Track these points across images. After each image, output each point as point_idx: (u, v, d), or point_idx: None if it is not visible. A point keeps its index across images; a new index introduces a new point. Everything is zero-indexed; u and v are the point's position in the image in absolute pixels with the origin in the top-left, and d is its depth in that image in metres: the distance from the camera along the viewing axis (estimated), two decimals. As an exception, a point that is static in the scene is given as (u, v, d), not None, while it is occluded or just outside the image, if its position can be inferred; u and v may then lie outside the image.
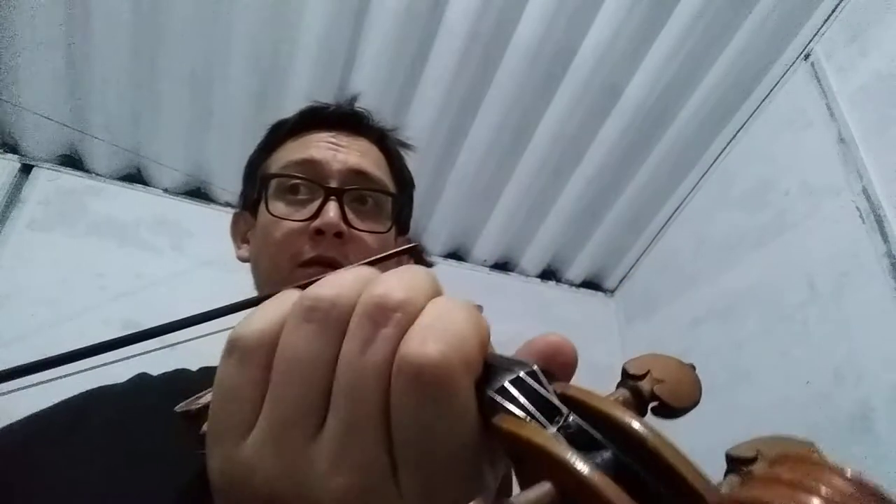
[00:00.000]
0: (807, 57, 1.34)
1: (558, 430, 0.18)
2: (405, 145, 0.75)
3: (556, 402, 0.19)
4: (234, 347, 0.21)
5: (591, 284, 1.88)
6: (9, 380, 0.43)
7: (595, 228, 1.73)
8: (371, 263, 0.52)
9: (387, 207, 0.64)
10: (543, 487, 0.17)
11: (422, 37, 1.33)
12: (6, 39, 1.28)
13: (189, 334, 0.54)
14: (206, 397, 0.30)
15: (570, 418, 0.18)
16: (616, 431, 0.18)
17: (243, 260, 0.67)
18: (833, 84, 1.25)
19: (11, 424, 0.49)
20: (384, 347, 0.19)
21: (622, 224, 1.71)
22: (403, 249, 0.56)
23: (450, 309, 0.20)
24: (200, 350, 0.62)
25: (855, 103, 1.18)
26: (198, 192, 1.58)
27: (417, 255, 0.57)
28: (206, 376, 0.42)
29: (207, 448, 0.22)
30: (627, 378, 0.21)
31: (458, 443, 0.19)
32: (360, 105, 0.74)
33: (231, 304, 0.51)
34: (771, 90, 1.43)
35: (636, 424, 0.18)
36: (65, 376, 0.49)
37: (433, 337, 0.19)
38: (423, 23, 1.31)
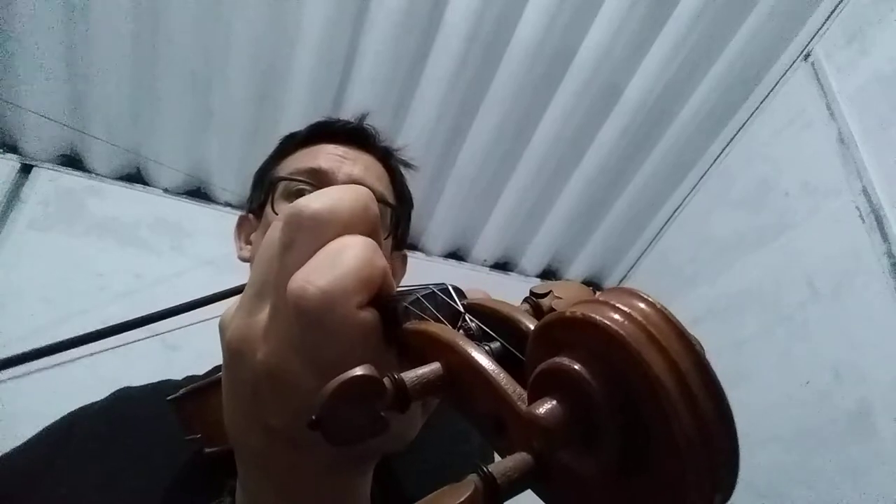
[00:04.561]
0: (807, 57, 1.34)
1: (458, 328, 0.22)
2: (408, 165, 0.80)
3: (459, 308, 0.23)
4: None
5: (592, 284, 1.88)
6: (8, 367, 0.44)
7: (595, 229, 1.73)
8: None
9: (385, 218, 0.67)
10: (432, 365, 0.19)
11: (422, 37, 1.33)
12: (6, 39, 1.28)
13: (181, 323, 0.55)
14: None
15: (471, 321, 0.22)
16: (507, 327, 0.21)
17: (244, 260, 0.70)
18: (833, 84, 1.25)
19: None
20: (290, 260, 0.23)
21: (622, 224, 1.71)
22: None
23: (342, 248, 0.23)
24: (191, 338, 0.62)
25: (855, 103, 1.18)
26: (198, 192, 1.58)
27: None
28: (190, 382, 0.44)
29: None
30: (532, 296, 0.24)
31: (342, 354, 0.22)
32: (368, 120, 0.77)
33: (221, 292, 0.52)
34: (771, 90, 1.43)
35: (517, 315, 0.21)
36: (62, 364, 0.49)
37: (316, 274, 0.22)
38: (422, 23, 1.31)
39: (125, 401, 0.57)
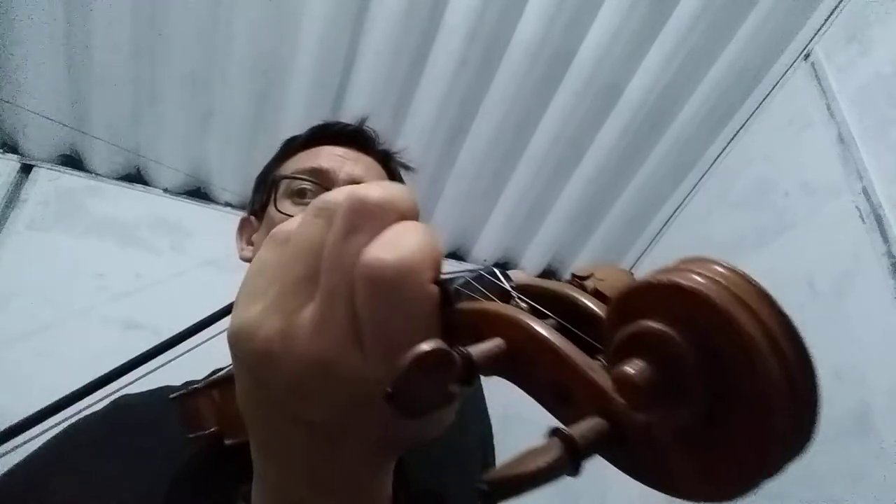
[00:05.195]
0: (807, 57, 1.34)
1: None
2: (407, 167, 0.81)
3: (509, 287, 0.24)
4: (270, 238, 0.27)
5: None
6: (43, 420, 0.44)
7: (595, 229, 1.73)
8: None
9: None
10: (495, 340, 0.20)
11: (422, 37, 1.33)
12: (6, 39, 1.28)
13: (200, 338, 0.54)
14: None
15: (522, 300, 0.23)
16: (560, 305, 0.22)
17: (246, 260, 0.71)
18: (833, 84, 1.24)
19: None
20: (357, 242, 0.23)
21: (622, 224, 1.71)
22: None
23: (409, 229, 0.24)
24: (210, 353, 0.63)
25: (855, 103, 1.18)
26: (197, 192, 1.58)
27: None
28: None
29: (232, 313, 0.27)
30: (574, 278, 0.25)
31: (410, 330, 0.23)
32: (368, 123, 0.78)
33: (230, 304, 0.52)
34: (771, 90, 1.43)
35: (570, 293, 0.22)
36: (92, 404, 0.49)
37: (387, 249, 0.23)
38: (423, 23, 1.31)
39: (124, 408, 0.57)
